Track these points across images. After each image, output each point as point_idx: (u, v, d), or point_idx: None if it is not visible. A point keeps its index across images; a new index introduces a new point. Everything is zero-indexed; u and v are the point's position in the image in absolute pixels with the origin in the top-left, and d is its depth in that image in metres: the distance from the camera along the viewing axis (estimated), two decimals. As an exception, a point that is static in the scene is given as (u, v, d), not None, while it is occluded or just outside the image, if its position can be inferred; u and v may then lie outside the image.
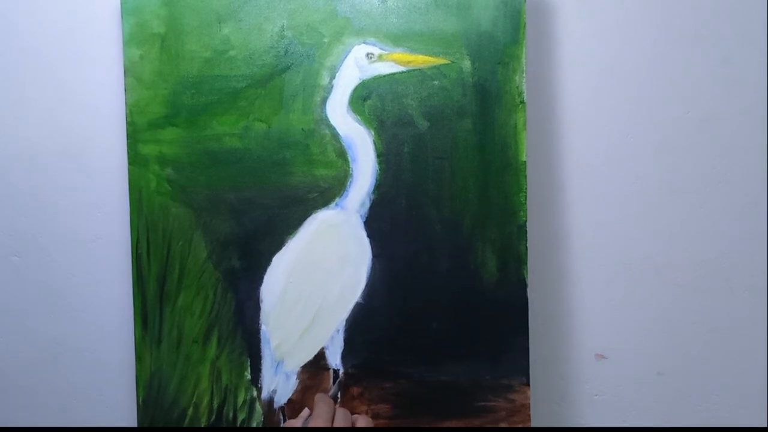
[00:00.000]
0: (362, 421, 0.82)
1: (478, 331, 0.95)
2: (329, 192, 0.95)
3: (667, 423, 1.02)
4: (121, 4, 0.96)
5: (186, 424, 0.96)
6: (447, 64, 0.95)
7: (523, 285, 0.95)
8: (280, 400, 0.96)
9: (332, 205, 0.95)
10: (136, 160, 0.96)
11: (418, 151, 0.95)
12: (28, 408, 1.05)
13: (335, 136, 0.95)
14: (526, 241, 0.95)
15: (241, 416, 0.96)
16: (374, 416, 0.95)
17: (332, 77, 0.95)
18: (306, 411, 0.87)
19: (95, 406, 1.04)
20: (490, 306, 0.95)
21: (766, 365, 1.01)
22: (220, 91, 0.96)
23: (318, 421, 0.80)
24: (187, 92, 0.96)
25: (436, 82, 0.95)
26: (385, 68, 0.95)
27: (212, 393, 0.96)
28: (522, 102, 0.94)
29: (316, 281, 0.96)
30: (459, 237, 0.95)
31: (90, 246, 1.03)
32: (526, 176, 0.95)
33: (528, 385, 0.95)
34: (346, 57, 0.95)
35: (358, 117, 0.95)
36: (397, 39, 0.95)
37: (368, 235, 0.95)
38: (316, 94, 0.95)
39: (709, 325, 1.01)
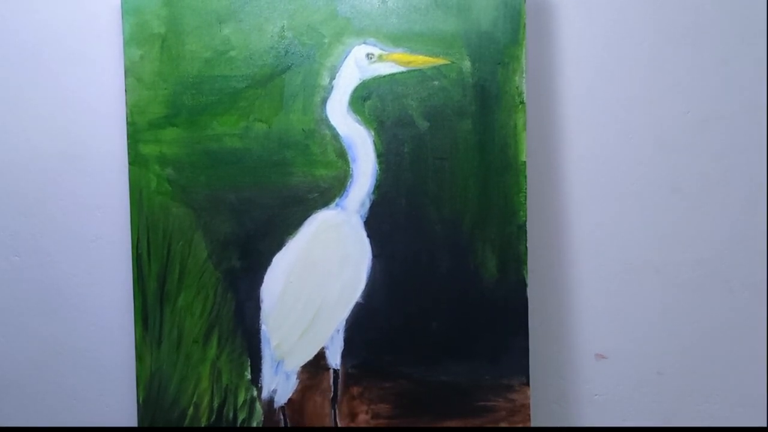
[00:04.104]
0: None
1: (478, 331, 0.95)
2: (329, 192, 0.96)
3: (667, 423, 1.02)
4: (122, 4, 0.96)
5: (186, 423, 0.96)
6: (447, 65, 0.95)
7: (523, 285, 0.95)
8: (281, 400, 0.96)
9: (332, 205, 0.96)
10: (136, 160, 0.96)
11: (418, 151, 0.95)
12: (28, 408, 1.05)
13: (335, 136, 0.95)
14: (526, 241, 0.95)
15: (241, 416, 0.96)
16: (374, 416, 0.96)
17: (332, 78, 0.95)
18: None
19: (95, 406, 1.04)
20: (490, 306, 0.95)
21: (766, 365, 1.01)
22: (220, 91, 0.96)
23: None
24: (188, 92, 0.96)
25: (436, 83, 0.95)
26: (385, 69, 0.95)
27: (212, 393, 0.96)
28: (522, 102, 0.94)
29: (316, 281, 0.96)
30: (459, 237, 0.95)
31: (90, 246, 1.03)
32: (526, 176, 0.95)
33: (528, 385, 0.95)
34: (346, 57, 0.95)
35: (358, 117, 0.95)
36: (397, 39, 0.95)
37: (368, 235, 0.95)
38: (316, 94, 0.95)
39: (709, 325, 1.01)
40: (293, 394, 0.96)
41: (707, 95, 0.99)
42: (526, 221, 0.95)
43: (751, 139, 1.00)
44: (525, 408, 0.95)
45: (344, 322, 0.95)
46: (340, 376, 0.96)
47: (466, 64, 0.95)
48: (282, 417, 0.96)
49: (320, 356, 0.96)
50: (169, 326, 0.96)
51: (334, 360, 0.96)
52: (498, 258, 0.95)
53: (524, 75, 0.94)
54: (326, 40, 0.95)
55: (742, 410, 1.02)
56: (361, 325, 0.95)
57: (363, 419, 0.95)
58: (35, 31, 1.02)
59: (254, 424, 0.96)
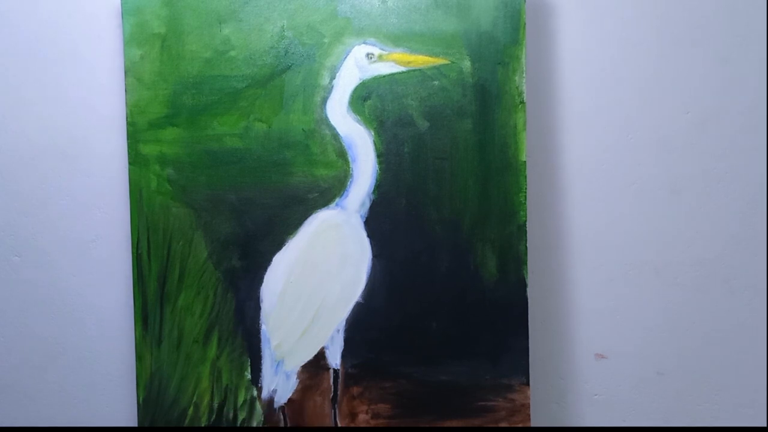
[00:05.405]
0: None
1: (478, 331, 0.95)
2: (329, 192, 0.96)
3: (667, 423, 1.02)
4: (122, 4, 0.96)
5: (186, 423, 0.96)
6: (447, 65, 0.95)
7: (523, 285, 0.95)
8: (280, 399, 0.96)
9: (332, 205, 0.96)
10: (136, 160, 0.96)
11: (418, 151, 0.95)
12: (28, 408, 1.05)
13: (335, 136, 0.95)
14: (526, 241, 0.95)
15: (241, 416, 0.96)
16: (374, 416, 0.96)
17: (332, 77, 0.95)
18: None
19: (95, 406, 1.04)
20: (490, 306, 0.95)
21: (766, 365, 1.01)
22: (220, 91, 0.96)
23: None
24: (188, 92, 0.96)
25: (436, 83, 0.95)
26: (385, 68, 0.95)
27: (212, 393, 0.96)
28: (522, 102, 0.94)
29: (316, 281, 0.96)
30: (459, 237, 0.95)
31: (90, 246, 1.03)
32: (526, 176, 0.95)
33: (528, 385, 0.95)
34: (346, 57, 0.95)
35: (358, 117, 0.95)
36: (397, 39, 0.95)
37: (368, 235, 0.95)
38: (316, 94, 0.95)
39: (709, 325, 1.01)
40: (293, 394, 0.96)
41: (707, 95, 0.99)
42: (526, 221, 0.95)
43: (751, 139, 1.00)
44: (525, 408, 0.95)
45: (344, 322, 0.95)
46: (340, 376, 0.96)
47: (466, 64, 0.95)
48: (282, 417, 0.96)
49: (320, 356, 0.96)
50: (169, 326, 0.96)
51: (334, 360, 0.96)
52: (498, 258, 0.95)
53: (524, 75, 0.94)
54: (326, 40, 0.95)
55: (742, 410, 1.02)
56: (361, 325, 0.95)
57: (363, 419, 0.95)
58: (35, 31, 1.02)
59: (254, 424, 0.96)
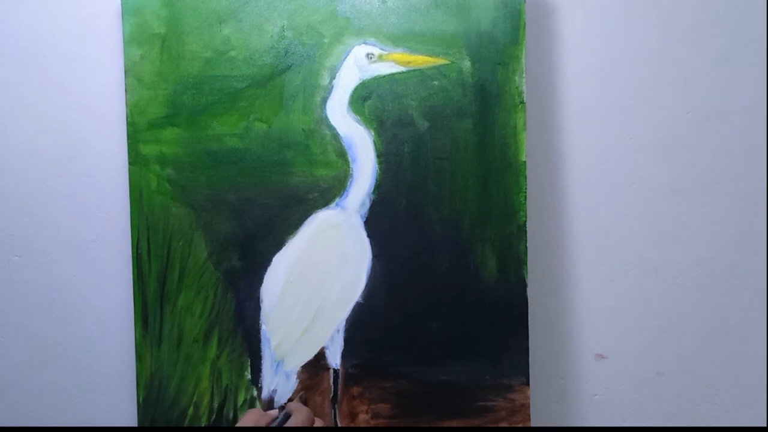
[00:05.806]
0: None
1: (478, 331, 0.95)
2: (329, 192, 0.96)
3: (667, 423, 1.02)
4: (122, 4, 0.96)
5: (186, 423, 0.96)
6: (447, 65, 0.95)
7: (523, 285, 0.95)
8: (280, 399, 0.96)
9: (332, 205, 0.96)
10: (136, 160, 0.96)
11: (418, 151, 0.95)
12: (28, 408, 1.05)
13: (335, 136, 0.95)
14: (526, 241, 0.95)
15: (241, 416, 0.96)
16: (374, 416, 0.96)
17: (332, 77, 0.95)
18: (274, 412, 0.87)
19: (95, 406, 1.04)
20: (490, 306, 0.95)
21: (766, 365, 1.01)
22: (220, 91, 0.96)
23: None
24: (188, 92, 0.96)
25: (436, 83, 0.95)
26: (385, 68, 0.95)
27: (212, 393, 0.96)
28: (522, 102, 0.94)
29: (316, 281, 0.96)
30: (459, 237, 0.95)
31: (90, 246, 1.03)
32: (526, 176, 0.95)
33: (528, 384, 0.95)
34: (346, 57, 0.95)
35: (358, 117, 0.95)
36: (397, 39, 0.95)
37: (368, 235, 0.95)
38: (316, 94, 0.96)
39: (709, 325, 1.01)
40: (293, 393, 0.96)
41: (707, 95, 0.99)
42: (526, 221, 0.95)
43: (751, 139, 1.00)
44: (525, 408, 0.95)
45: (344, 322, 0.95)
46: (340, 375, 0.96)
47: (466, 64, 0.95)
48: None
49: (320, 356, 0.96)
50: (169, 326, 0.96)
51: (334, 360, 0.96)
52: (498, 258, 0.95)
53: (524, 75, 0.94)
54: (326, 40, 0.95)
55: (742, 410, 1.02)
56: (361, 325, 0.95)
57: (363, 419, 0.95)
58: (35, 32, 1.02)
59: (254, 424, 0.96)
